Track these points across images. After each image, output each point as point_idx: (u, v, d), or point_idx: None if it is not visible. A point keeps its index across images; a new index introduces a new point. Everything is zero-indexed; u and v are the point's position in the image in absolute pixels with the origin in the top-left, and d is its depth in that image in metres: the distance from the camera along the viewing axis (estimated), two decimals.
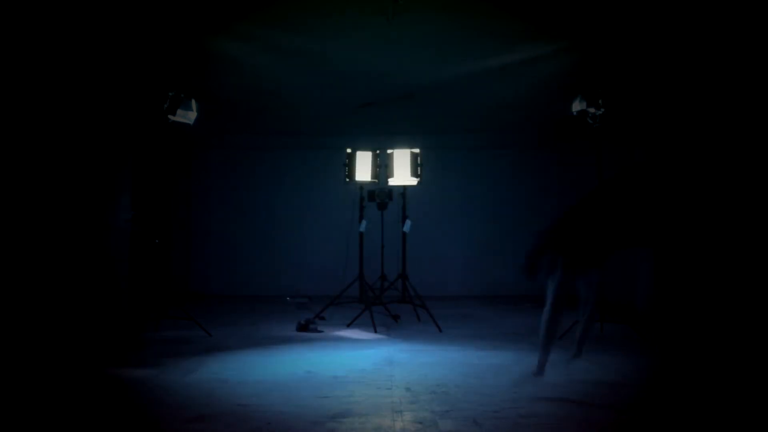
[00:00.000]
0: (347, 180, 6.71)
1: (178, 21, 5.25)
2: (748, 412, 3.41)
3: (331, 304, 6.65)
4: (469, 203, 8.68)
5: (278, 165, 8.77)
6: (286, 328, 5.96)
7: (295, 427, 3.14)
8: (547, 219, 4.07)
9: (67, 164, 5.52)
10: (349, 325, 6.11)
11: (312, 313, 6.56)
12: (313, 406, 3.47)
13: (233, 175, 8.81)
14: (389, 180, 6.60)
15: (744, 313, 5.12)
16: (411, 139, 7.07)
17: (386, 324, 6.19)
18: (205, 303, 7.61)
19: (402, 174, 6.51)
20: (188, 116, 5.74)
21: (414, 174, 6.49)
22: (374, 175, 6.67)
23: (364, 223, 6.78)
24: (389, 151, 6.59)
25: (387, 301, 6.48)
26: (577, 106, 5.79)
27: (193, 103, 5.77)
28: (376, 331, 5.81)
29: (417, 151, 6.53)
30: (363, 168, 6.64)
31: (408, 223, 6.63)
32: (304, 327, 5.84)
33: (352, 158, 6.65)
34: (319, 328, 5.93)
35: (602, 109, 5.67)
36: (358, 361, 4.62)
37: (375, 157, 6.66)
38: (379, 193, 6.65)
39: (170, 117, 5.62)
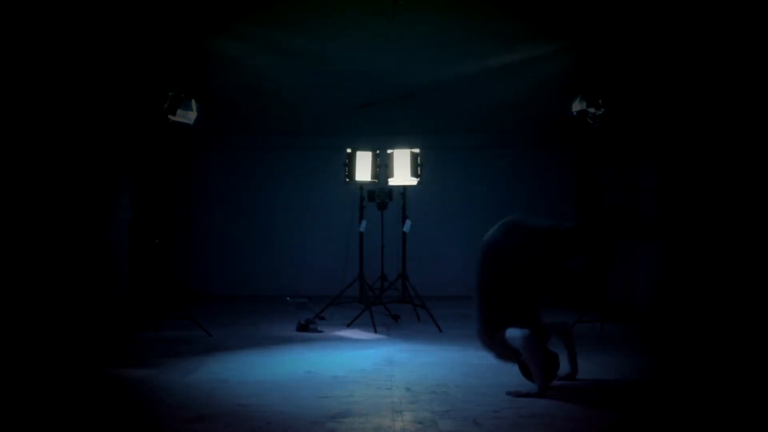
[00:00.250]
0: (347, 180, 6.71)
1: (178, 21, 5.26)
2: (748, 412, 3.40)
3: (331, 304, 6.65)
4: (469, 203, 8.66)
5: (278, 165, 8.76)
6: (286, 328, 5.96)
7: (295, 427, 3.14)
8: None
9: (67, 164, 5.52)
10: (349, 325, 6.11)
11: (312, 313, 6.55)
12: (313, 406, 3.47)
13: (233, 175, 8.80)
14: (389, 180, 6.59)
15: (744, 313, 5.12)
16: (411, 139, 7.05)
17: (386, 324, 6.19)
18: (205, 303, 7.60)
19: (402, 174, 6.50)
20: (188, 116, 5.74)
21: (414, 174, 6.49)
22: (374, 175, 6.67)
23: (364, 223, 6.77)
24: (389, 151, 6.59)
25: (387, 301, 6.48)
26: (577, 106, 5.79)
27: (193, 103, 5.76)
28: (376, 331, 5.81)
29: (417, 151, 6.52)
30: (363, 168, 6.64)
31: (408, 223, 6.62)
32: (304, 327, 5.84)
33: (352, 158, 6.64)
34: (319, 328, 5.93)
35: (602, 110, 5.67)
36: (358, 361, 4.62)
37: (375, 157, 6.66)
38: (379, 193, 6.64)
39: (170, 117, 5.62)
